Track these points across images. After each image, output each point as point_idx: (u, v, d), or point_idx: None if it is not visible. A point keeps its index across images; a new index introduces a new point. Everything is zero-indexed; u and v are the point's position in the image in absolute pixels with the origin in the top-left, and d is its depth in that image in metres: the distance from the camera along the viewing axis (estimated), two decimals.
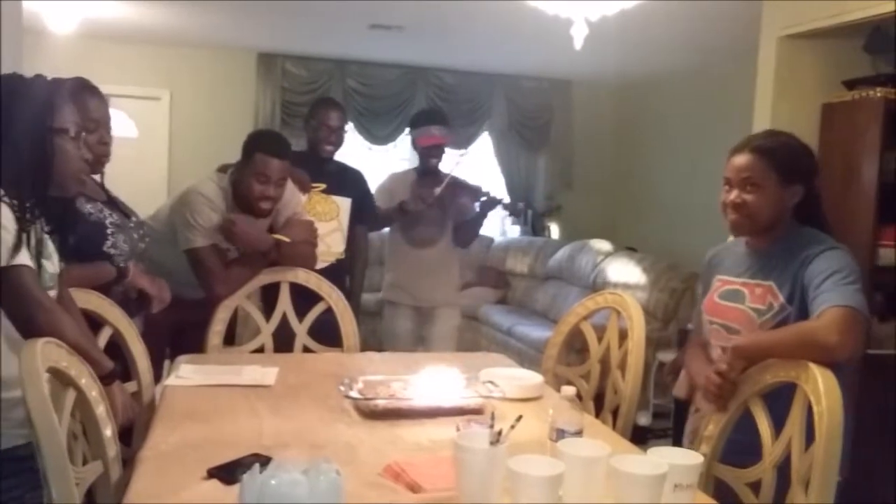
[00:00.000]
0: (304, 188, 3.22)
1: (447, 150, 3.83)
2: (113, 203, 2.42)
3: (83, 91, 2.27)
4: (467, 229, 3.85)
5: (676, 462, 1.40)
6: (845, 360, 1.69)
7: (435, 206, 3.68)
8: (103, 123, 2.34)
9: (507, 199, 3.89)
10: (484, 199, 3.77)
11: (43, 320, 1.61)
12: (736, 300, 1.99)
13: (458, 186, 3.76)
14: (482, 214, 3.81)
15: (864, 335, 1.71)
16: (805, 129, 3.76)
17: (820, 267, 1.82)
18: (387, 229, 3.91)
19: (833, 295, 1.73)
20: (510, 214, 4.26)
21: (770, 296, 1.92)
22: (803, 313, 1.83)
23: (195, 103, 6.19)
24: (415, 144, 3.81)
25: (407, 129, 6.64)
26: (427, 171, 3.76)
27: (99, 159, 2.32)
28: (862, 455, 1.84)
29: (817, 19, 3.54)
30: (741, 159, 1.95)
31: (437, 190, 3.66)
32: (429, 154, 3.74)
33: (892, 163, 3.53)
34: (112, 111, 2.43)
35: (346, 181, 3.52)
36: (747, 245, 2.05)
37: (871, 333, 3.52)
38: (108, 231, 2.30)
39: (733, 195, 1.96)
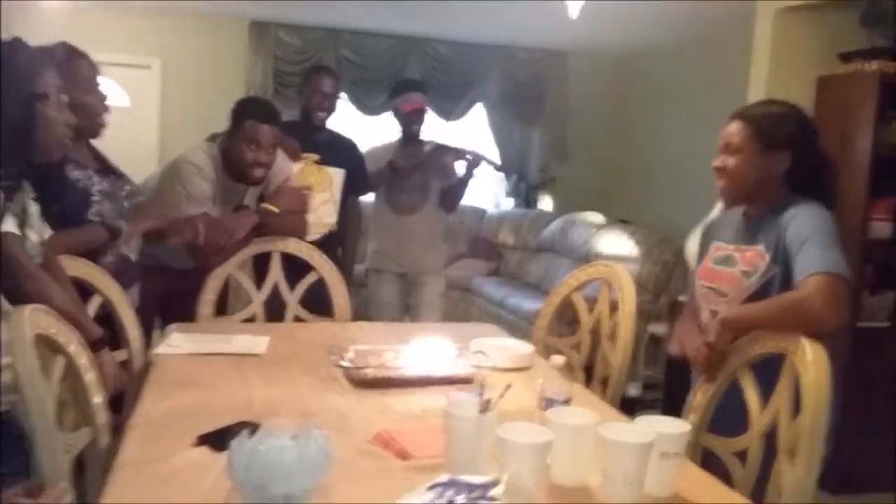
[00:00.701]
0: (294, 156, 3.20)
1: (427, 119, 3.85)
2: (106, 171, 2.40)
3: (74, 55, 2.26)
4: (454, 191, 3.85)
5: (664, 431, 1.41)
6: (832, 329, 1.69)
7: (420, 171, 3.69)
8: (98, 83, 2.34)
9: (491, 157, 3.89)
10: (469, 157, 3.77)
11: (30, 287, 1.61)
12: (728, 264, 2.01)
13: (442, 150, 3.78)
14: (468, 174, 3.81)
15: (849, 299, 1.71)
16: (800, 101, 3.71)
17: (799, 228, 1.83)
18: (371, 198, 3.90)
19: (814, 260, 1.74)
20: (496, 170, 4.27)
21: (759, 258, 1.93)
22: (787, 275, 1.84)
23: (187, 72, 6.13)
24: (397, 112, 3.81)
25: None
26: (409, 138, 3.78)
27: (98, 120, 2.31)
28: (852, 427, 1.85)
29: None
30: (728, 126, 2.01)
31: (427, 147, 3.70)
32: (411, 120, 3.75)
33: (885, 136, 3.53)
34: (102, 79, 2.41)
35: (339, 151, 3.50)
36: (744, 214, 2.07)
37: (862, 305, 3.56)
38: (94, 199, 2.29)
39: (718, 160, 2.01)
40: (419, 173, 3.72)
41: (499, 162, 4.18)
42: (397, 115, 3.81)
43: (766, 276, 1.91)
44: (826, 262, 1.73)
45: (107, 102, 2.38)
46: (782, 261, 1.87)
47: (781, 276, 1.87)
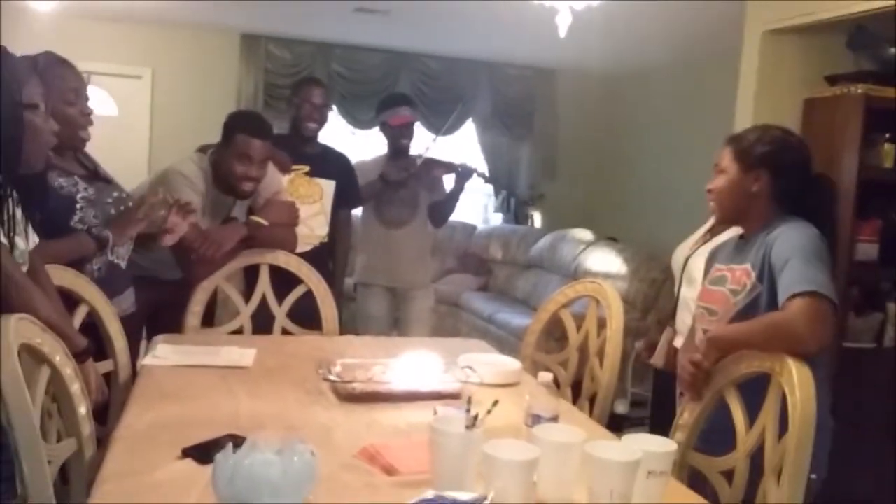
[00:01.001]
0: (285, 169, 3.20)
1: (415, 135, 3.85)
2: (92, 177, 2.38)
3: (57, 64, 2.24)
4: (444, 206, 3.84)
5: (650, 449, 1.41)
6: (815, 351, 1.70)
7: (409, 185, 3.69)
8: (81, 94, 2.30)
9: (481, 169, 3.90)
10: (459, 169, 3.77)
11: (16, 296, 1.59)
12: (720, 284, 2.03)
13: (433, 164, 3.78)
14: (459, 188, 3.79)
15: (834, 320, 1.72)
16: (786, 123, 3.72)
17: (783, 247, 1.85)
18: (359, 211, 3.88)
19: (797, 280, 1.75)
20: (485, 181, 4.27)
21: (745, 276, 1.95)
22: (772, 293, 1.85)
23: (177, 82, 6.12)
24: (385, 126, 3.78)
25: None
26: (398, 152, 3.76)
27: (79, 133, 2.29)
28: (839, 450, 1.86)
29: (801, 15, 3.55)
30: (721, 150, 2.07)
31: (419, 160, 3.69)
32: (400, 135, 3.74)
33: (871, 158, 3.56)
34: (93, 89, 2.40)
35: (330, 164, 3.50)
36: (741, 236, 2.10)
37: (848, 327, 3.57)
38: (78, 206, 2.27)
39: (709, 183, 2.08)
40: (409, 187, 3.71)
41: (487, 174, 4.18)
42: (385, 129, 3.79)
43: (752, 294, 1.92)
44: (808, 282, 1.73)
45: (91, 114, 2.34)
46: (767, 279, 1.88)
47: (767, 294, 1.88)
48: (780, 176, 1.99)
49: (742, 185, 2.00)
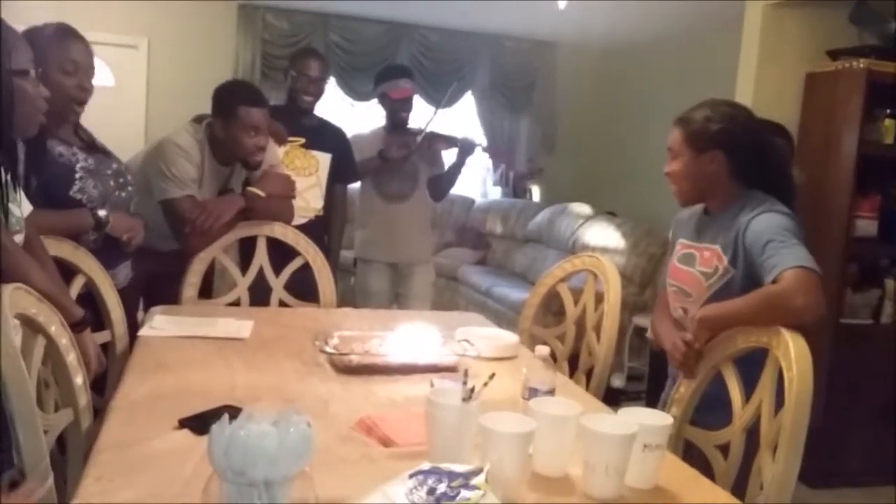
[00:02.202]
0: (280, 140, 3.18)
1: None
2: (91, 148, 2.37)
3: (64, 35, 2.23)
4: (444, 180, 3.80)
5: (646, 423, 1.41)
6: (812, 321, 1.70)
7: (410, 159, 3.64)
8: (84, 69, 2.27)
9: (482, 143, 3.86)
10: (461, 143, 3.72)
11: (10, 266, 1.58)
12: (689, 263, 2.03)
13: (434, 138, 3.73)
14: (460, 162, 3.76)
15: (823, 294, 1.72)
16: (788, 98, 3.78)
17: (758, 230, 1.84)
18: (357, 185, 3.85)
19: (783, 258, 1.75)
20: (483, 151, 4.23)
21: (716, 259, 1.95)
22: (748, 276, 1.86)
23: (173, 52, 6.06)
24: (384, 98, 3.73)
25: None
26: (397, 125, 3.72)
27: (72, 104, 2.26)
28: (834, 423, 1.87)
29: None
30: (671, 132, 2.04)
31: (419, 138, 3.64)
32: (400, 108, 3.69)
33: (871, 134, 3.55)
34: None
35: (326, 137, 3.47)
36: (703, 211, 2.09)
37: (845, 303, 3.58)
38: (77, 175, 2.25)
39: (665, 166, 2.06)
40: (409, 161, 3.67)
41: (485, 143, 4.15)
42: (384, 101, 3.74)
43: (724, 278, 1.92)
44: (795, 258, 1.73)
45: (90, 90, 2.30)
46: (742, 263, 1.88)
47: (742, 277, 1.88)
48: (734, 153, 1.97)
49: (698, 168, 1.98)
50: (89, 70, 2.30)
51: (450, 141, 3.77)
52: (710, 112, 1.99)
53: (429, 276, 3.94)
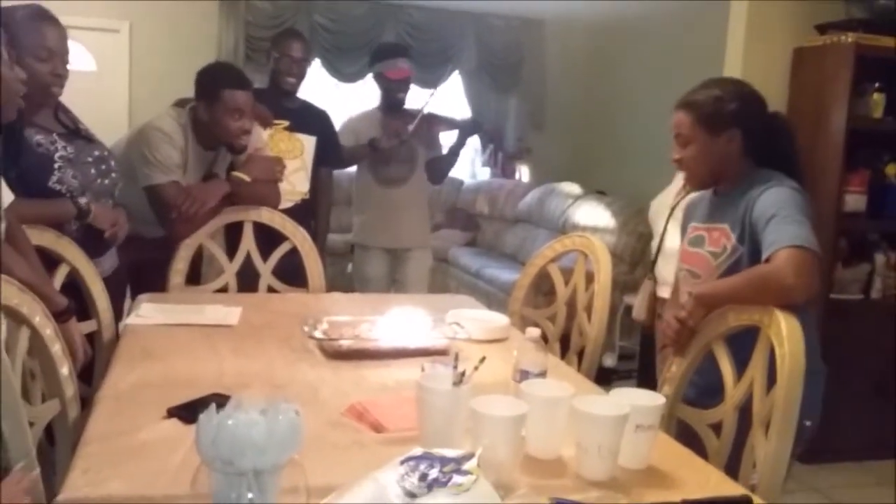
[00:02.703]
0: (266, 123, 3.13)
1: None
2: (72, 135, 2.32)
3: (37, 19, 2.16)
4: (444, 162, 3.72)
5: (638, 403, 1.40)
6: (803, 300, 1.70)
7: (407, 142, 3.56)
8: (58, 54, 2.21)
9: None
10: (463, 124, 3.64)
11: None
12: (699, 245, 2.01)
13: (433, 120, 3.65)
14: (460, 144, 3.68)
15: (819, 271, 1.71)
16: (776, 73, 3.76)
17: (764, 206, 1.82)
18: (353, 169, 3.81)
19: (781, 235, 1.73)
20: (479, 138, 4.17)
21: (724, 238, 1.93)
22: (755, 253, 1.84)
23: (155, 36, 5.97)
24: (380, 78, 3.64)
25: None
26: (393, 107, 3.63)
27: (48, 90, 2.21)
28: (826, 400, 1.86)
29: None
30: (674, 117, 2.00)
31: (411, 126, 3.55)
32: (397, 88, 3.60)
33: (860, 108, 3.54)
34: (69, 43, 2.31)
35: (310, 120, 3.42)
36: (714, 192, 2.07)
37: (835, 278, 3.58)
38: (56, 165, 2.21)
39: (674, 153, 2.01)
40: (406, 144, 3.57)
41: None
42: (380, 81, 3.63)
43: (733, 256, 1.90)
44: (792, 237, 1.72)
45: (65, 76, 2.24)
46: (749, 240, 1.87)
47: (749, 254, 1.87)
48: (751, 130, 1.95)
49: (716, 149, 1.95)
50: (64, 55, 2.24)
51: (450, 123, 3.68)
52: (718, 91, 1.96)
53: (427, 260, 3.88)
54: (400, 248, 3.75)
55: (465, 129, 3.67)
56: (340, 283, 3.78)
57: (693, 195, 2.21)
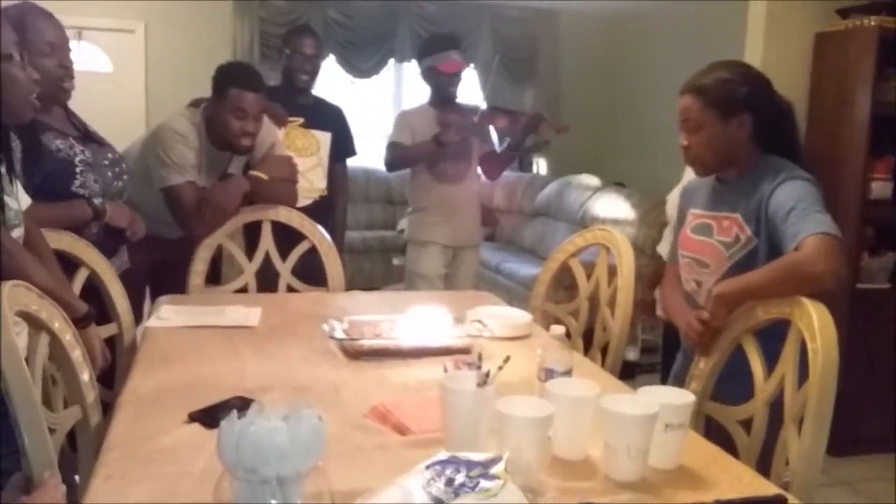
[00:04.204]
0: (280, 122, 3.12)
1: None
2: (87, 138, 2.31)
3: (32, 16, 2.15)
4: (502, 157, 3.60)
5: (667, 401, 1.37)
6: (833, 287, 1.65)
7: (465, 137, 3.42)
8: (60, 46, 2.19)
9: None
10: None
11: (10, 268, 1.55)
12: (705, 233, 1.96)
13: (496, 114, 3.55)
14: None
15: (844, 259, 1.67)
16: (797, 59, 3.69)
17: (781, 199, 1.78)
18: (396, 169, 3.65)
19: (805, 225, 1.70)
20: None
21: (737, 228, 1.88)
22: (772, 246, 1.80)
23: (171, 36, 5.99)
24: (431, 72, 3.46)
25: (391, 61, 6.51)
26: (446, 101, 3.48)
27: (61, 85, 2.20)
28: (852, 389, 1.82)
29: None
30: (681, 102, 1.94)
31: (476, 118, 3.45)
32: (449, 82, 3.44)
33: (884, 94, 3.46)
34: (85, 45, 2.30)
35: (325, 116, 3.39)
36: (717, 178, 2.02)
37: (862, 267, 3.52)
38: (77, 170, 2.20)
39: (682, 138, 1.95)
40: (464, 140, 3.43)
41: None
42: (431, 75, 3.47)
43: (747, 247, 1.86)
44: (817, 224, 1.68)
45: (72, 66, 2.22)
46: (765, 233, 1.83)
47: (766, 246, 1.83)
48: (762, 114, 1.90)
49: (728, 134, 1.89)
50: (65, 46, 2.22)
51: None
52: (728, 74, 1.91)
53: (477, 258, 3.80)
54: (456, 245, 3.64)
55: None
56: (358, 280, 3.75)
57: (691, 180, 2.16)
